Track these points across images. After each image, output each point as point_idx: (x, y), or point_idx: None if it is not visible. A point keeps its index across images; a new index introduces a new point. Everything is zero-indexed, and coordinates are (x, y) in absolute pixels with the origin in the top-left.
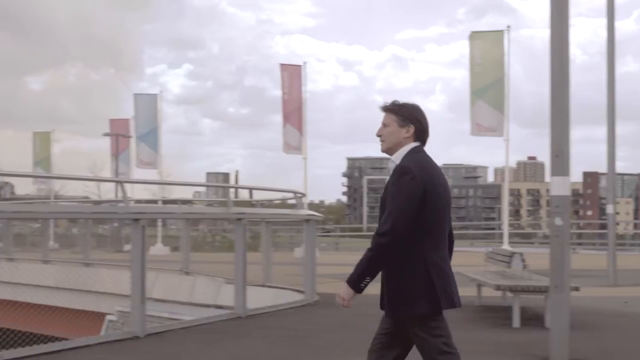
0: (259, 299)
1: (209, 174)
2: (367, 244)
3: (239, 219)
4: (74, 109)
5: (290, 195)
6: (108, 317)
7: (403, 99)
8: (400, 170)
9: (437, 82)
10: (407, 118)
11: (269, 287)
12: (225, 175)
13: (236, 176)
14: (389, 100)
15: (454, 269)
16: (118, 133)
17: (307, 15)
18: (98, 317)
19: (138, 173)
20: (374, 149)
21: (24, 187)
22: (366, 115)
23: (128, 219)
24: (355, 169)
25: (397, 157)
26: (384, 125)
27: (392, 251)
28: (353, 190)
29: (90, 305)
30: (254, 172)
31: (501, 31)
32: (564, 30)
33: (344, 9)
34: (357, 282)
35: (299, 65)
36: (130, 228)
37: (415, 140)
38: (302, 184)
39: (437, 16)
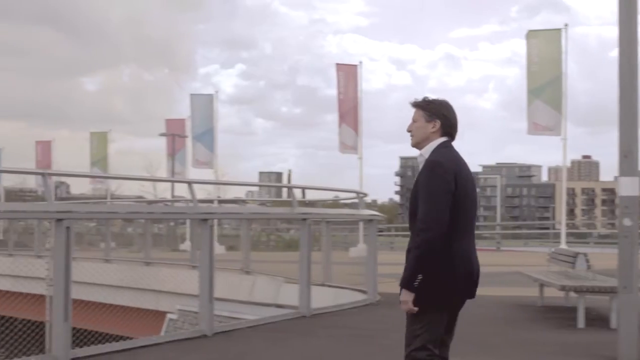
0: (320, 298)
1: (261, 173)
2: None
3: (304, 219)
4: (127, 109)
5: (349, 195)
6: (169, 316)
7: (455, 98)
8: (432, 164)
9: (490, 80)
10: (434, 113)
11: (329, 286)
12: (278, 175)
13: (289, 176)
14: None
15: (511, 269)
16: (174, 133)
17: (360, 14)
18: (158, 315)
19: (194, 173)
20: None
21: (79, 187)
22: None
23: (197, 219)
24: (408, 168)
25: (426, 151)
26: (413, 120)
27: (438, 244)
28: (405, 190)
29: (150, 304)
30: (307, 172)
31: (558, 29)
32: (633, 29)
33: (397, 8)
34: (410, 283)
35: (355, 65)
36: (196, 227)
37: (442, 135)
38: (357, 184)
39: (490, 14)
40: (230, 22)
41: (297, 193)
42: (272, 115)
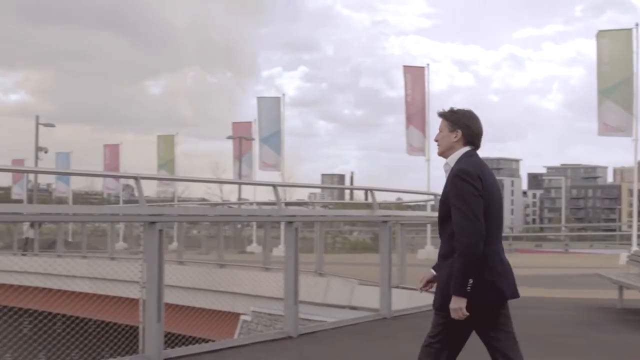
0: (396, 300)
1: (324, 175)
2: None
3: (385, 222)
4: (191, 113)
5: (421, 197)
6: (242, 318)
7: (518, 98)
8: (460, 172)
9: (554, 80)
10: (456, 123)
11: (404, 288)
12: (341, 177)
13: (351, 178)
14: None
15: (582, 271)
16: (241, 136)
17: (422, 15)
18: (232, 317)
19: (261, 175)
20: (490, 150)
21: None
22: (482, 115)
23: (282, 221)
24: None
25: (452, 160)
26: (439, 130)
27: (479, 247)
28: None
29: (224, 305)
30: (369, 174)
31: (629, 29)
32: None
33: (460, 8)
34: (462, 289)
35: (422, 67)
36: (285, 230)
37: (466, 144)
38: (424, 185)
39: (554, 14)
40: (293, 25)
41: (362, 195)
42: (335, 117)
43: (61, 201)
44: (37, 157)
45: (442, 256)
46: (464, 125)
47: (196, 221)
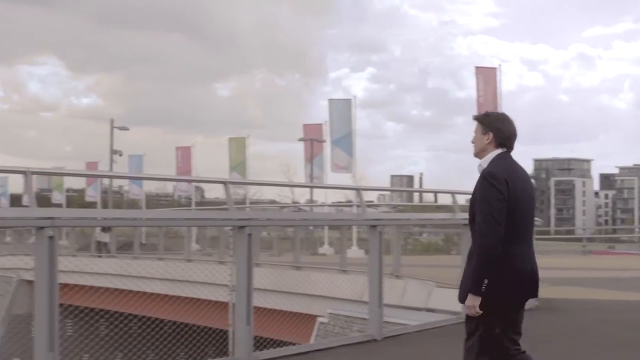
0: None
1: (393, 176)
2: (554, 246)
3: (466, 224)
4: (259, 115)
5: None
6: (319, 320)
7: (589, 98)
8: (489, 176)
9: (625, 79)
10: (488, 126)
11: None
12: (409, 178)
13: (420, 179)
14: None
15: None
16: (312, 138)
17: (490, 15)
18: (309, 319)
19: (332, 177)
20: (561, 150)
21: (213, 192)
22: (552, 115)
23: (366, 225)
24: (542, 171)
25: (485, 161)
26: (474, 132)
27: (497, 249)
28: (540, 192)
29: (301, 307)
30: (438, 175)
31: None
32: None
33: (528, 7)
34: (477, 288)
35: (494, 68)
36: (369, 234)
37: (498, 146)
38: None
39: (624, 12)
40: (360, 26)
41: (429, 197)
42: (403, 118)
43: (134, 203)
44: (111, 160)
45: (470, 254)
46: (495, 128)
47: (285, 225)
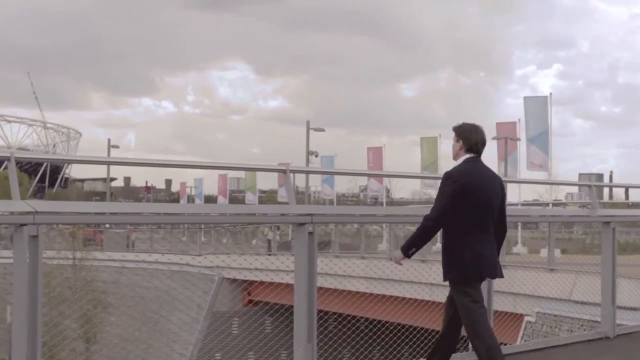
0: None
1: (581, 174)
2: None
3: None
4: (444, 114)
5: None
6: (526, 318)
7: None
8: (445, 175)
9: None
10: (459, 135)
11: None
12: (599, 176)
13: (610, 176)
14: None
15: None
16: (505, 136)
17: None
18: (514, 318)
19: (527, 175)
20: None
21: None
22: None
23: (599, 222)
24: None
25: (456, 164)
26: (453, 140)
27: (432, 233)
28: None
29: (506, 306)
30: (628, 172)
31: None
32: None
33: None
34: (406, 250)
35: None
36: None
37: (467, 151)
38: None
39: None
40: (547, 22)
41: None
42: (591, 115)
43: (324, 203)
44: (307, 161)
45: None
46: (464, 137)
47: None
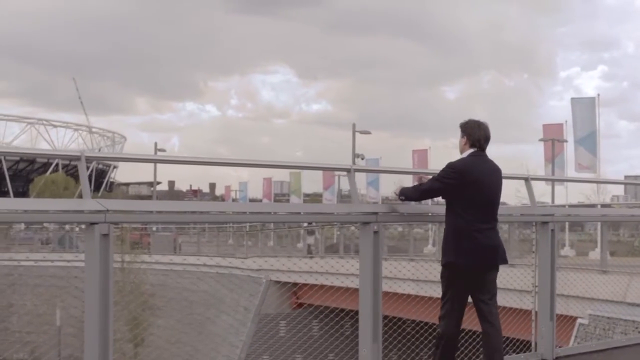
0: None
1: (627, 177)
2: None
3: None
4: (487, 116)
5: None
6: (579, 321)
7: None
8: (447, 165)
9: None
10: (463, 131)
11: None
12: None
13: None
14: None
15: None
16: (553, 138)
17: None
18: (566, 320)
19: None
20: None
21: None
22: None
23: None
24: None
25: (460, 157)
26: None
27: (415, 199)
28: None
29: (558, 308)
30: None
31: None
32: None
33: None
34: (405, 193)
35: None
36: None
37: (471, 146)
38: None
39: None
40: (591, 23)
41: None
42: (636, 117)
43: None
44: (354, 163)
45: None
46: (468, 133)
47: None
